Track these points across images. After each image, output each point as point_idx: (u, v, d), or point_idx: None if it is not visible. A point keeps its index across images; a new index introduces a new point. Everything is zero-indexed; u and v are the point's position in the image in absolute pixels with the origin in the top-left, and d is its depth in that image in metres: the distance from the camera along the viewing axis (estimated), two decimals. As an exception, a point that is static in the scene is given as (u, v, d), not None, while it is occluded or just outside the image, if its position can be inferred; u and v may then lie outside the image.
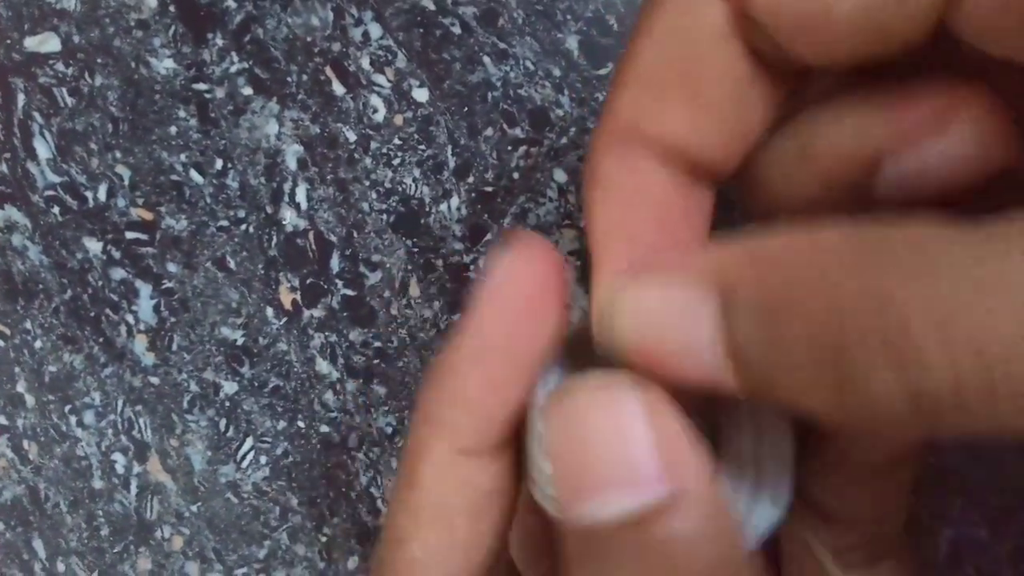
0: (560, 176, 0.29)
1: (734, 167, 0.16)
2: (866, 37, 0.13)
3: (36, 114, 0.30)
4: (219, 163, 0.30)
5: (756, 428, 0.16)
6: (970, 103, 0.14)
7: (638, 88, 0.15)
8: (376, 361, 0.30)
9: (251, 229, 0.30)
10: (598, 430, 0.14)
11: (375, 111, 0.30)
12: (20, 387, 0.31)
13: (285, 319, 0.30)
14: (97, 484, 0.31)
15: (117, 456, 0.31)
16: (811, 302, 0.12)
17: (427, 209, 0.30)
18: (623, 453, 0.14)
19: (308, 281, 0.30)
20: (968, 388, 0.11)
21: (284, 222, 0.30)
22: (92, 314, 0.31)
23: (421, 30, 0.30)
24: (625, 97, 0.15)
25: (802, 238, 0.13)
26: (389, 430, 0.30)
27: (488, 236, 0.30)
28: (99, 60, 0.30)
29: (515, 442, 0.17)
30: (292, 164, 0.30)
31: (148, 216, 0.30)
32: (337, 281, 0.30)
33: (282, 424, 0.30)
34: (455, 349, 0.16)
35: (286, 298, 0.30)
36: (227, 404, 0.31)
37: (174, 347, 0.31)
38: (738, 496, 0.16)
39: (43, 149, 0.30)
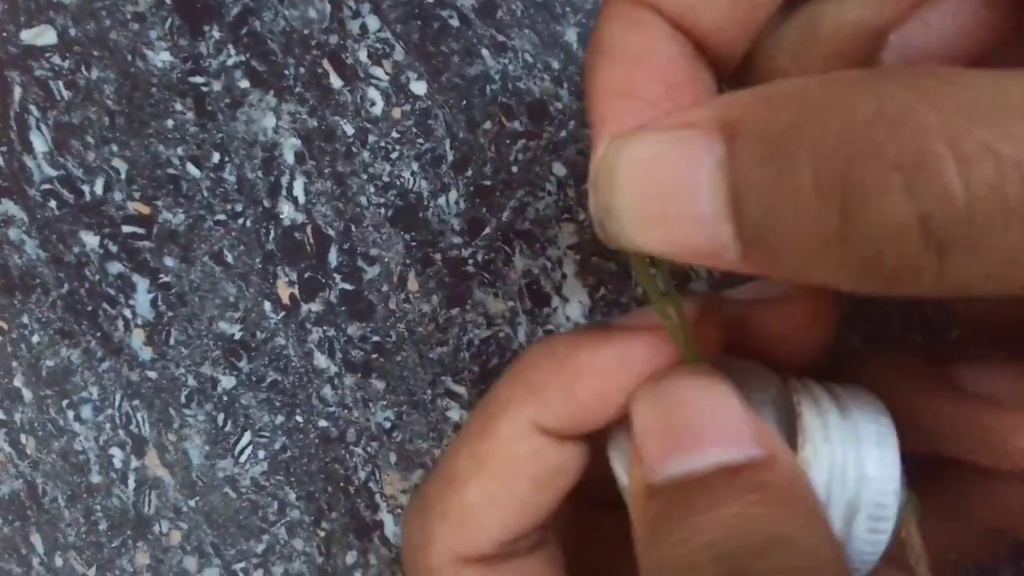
0: (559, 169, 0.29)
1: (739, 52, 0.15)
2: None
3: (32, 107, 0.30)
4: (216, 156, 0.30)
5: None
6: None
7: None
8: (374, 355, 0.30)
9: (248, 223, 0.30)
10: (698, 400, 0.15)
11: (373, 104, 0.30)
12: (17, 381, 0.31)
13: (283, 313, 0.30)
14: (95, 479, 0.31)
15: (115, 451, 0.31)
16: (821, 126, 0.11)
17: (425, 203, 0.30)
18: (722, 419, 0.14)
19: (306, 275, 0.30)
20: (981, 204, 0.10)
21: (282, 216, 0.30)
22: (89, 308, 0.31)
23: (419, 22, 0.29)
24: None
25: (815, 77, 0.12)
26: (387, 425, 0.30)
27: (487, 230, 0.30)
28: (95, 53, 0.30)
29: (596, 438, 0.17)
30: (290, 158, 0.30)
31: (145, 210, 0.30)
32: (335, 275, 0.30)
33: (280, 419, 0.30)
34: (596, 337, 0.16)
35: (284, 292, 0.30)
36: (225, 399, 0.30)
37: (172, 341, 0.30)
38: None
39: (39, 143, 0.30)
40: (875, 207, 0.11)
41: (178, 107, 0.30)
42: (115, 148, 0.30)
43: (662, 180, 0.13)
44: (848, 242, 0.11)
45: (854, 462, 0.15)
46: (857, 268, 0.11)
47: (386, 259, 0.30)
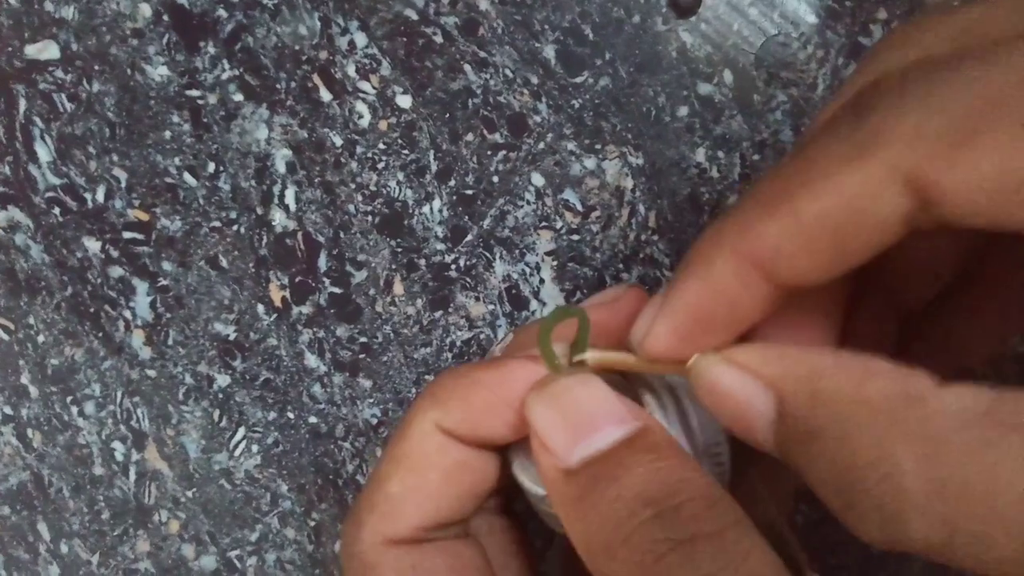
0: (538, 180, 0.31)
1: (820, 283, 0.19)
2: None
3: (37, 119, 0.32)
4: (211, 166, 0.31)
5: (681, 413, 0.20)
6: None
7: (790, 228, 0.17)
8: (362, 356, 0.32)
9: (242, 230, 0.31)
10: (584, 395, 0.19)
11: (360, 117, 0.31)
12: (24, 379, 0.33)
13: (275, 315, 0.32)
14: (98, 471, 0.33)
15: (116, 444, 0.33)
16: (837, 449, 0.16)
17: (410, 211, 0.31)
18: (606, 406, 0.18)
19: (297, 279, 0.31)
20: (933, 548, 0.15)
21: (274, 223, 0.31)
22: (92, 310, 0.32)
23: (404, 39, 0.31)
24: (773, 227, 0.17)
25: (849, 383, 0.16)
26: (374, 421, 0.32)
27: (469, 237, 0.31)
28: (96, 67, 0.31)
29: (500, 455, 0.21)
30: (281, 167, 0.31)
31: (144, 217, 0.32)
32: (325, 279, 0.31)
33: (272, 415, 0.32)
34: (488, 363, 0.20)
35: (276, 295, 0.32)
36: (220, 396, 0.32)
37: (170, 342, 0.32)
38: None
39: (44, 152, 0.32)
40: (859, 517, 0.15)
41: (175, 119, 0.31)
42: (115, 158, 0.31)
43: (730, 406, 0.18)
44: (844, 518, 0.16)
45: (688, 423, 0.20)
46: (848, 524, 0.16)
47: (373, 264, 0.31)
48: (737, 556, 0.16)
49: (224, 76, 0.31)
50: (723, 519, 0.16)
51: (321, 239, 0.31)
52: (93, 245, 0.32)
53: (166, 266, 0.32)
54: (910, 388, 0.16)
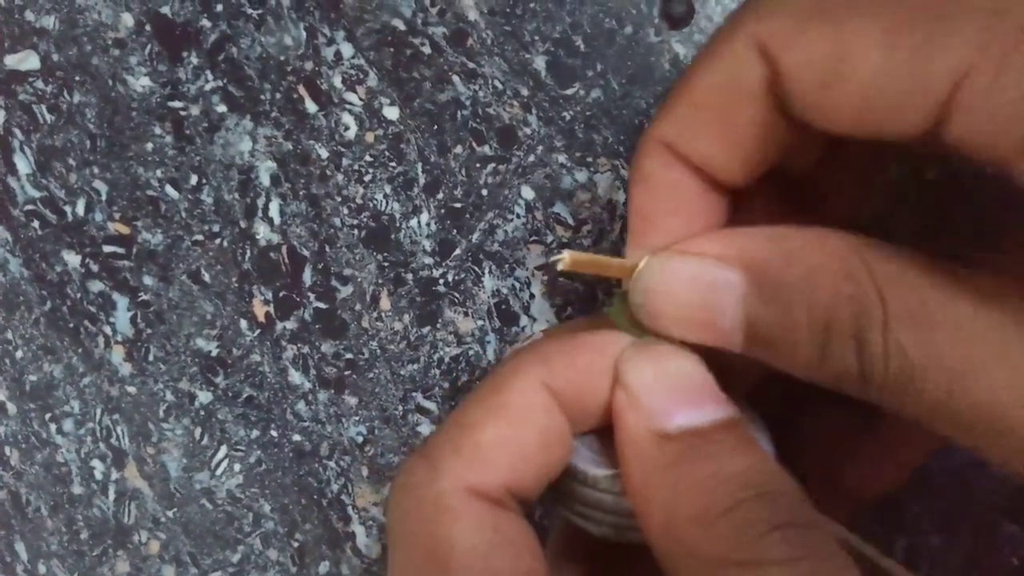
0: (528, 193, 0.30)
1: (746, 185, 0.20)
2: (868, 117, 0.17)
3: (16, 130, 0.31)
4: (194, 179, 0.31)
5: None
6: None
7: (685, 113, 0.19)
8: (347, 372, 0.31)
9: (225, 243, 0.31)
10: (688, 367, 0.19)
11: (347, 128, 0.30)
12: (2, 395, 0.32)
13: (259, 331, 0.31)
14: (76, 489, 0.32)
15: (96, 463, 0.32)
16: (815, 296, 0.17)
17: (397, 224, 0.30)
18: (710, 383, 0.18)
19: (281, 294, 0.31)
20: (896, 378, 0.16)
21: (258, 236, 0.31)
22: (71, 325, 0.31)
23: (392, 50, 0.30)
24: (673, 117, 0.19)
25: (815, 236, 0.17)
26: (359, 439, 0.31)
27: (457, 251, 0.31)
28: (77, 78, 0.31)
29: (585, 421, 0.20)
30: (265, 180, 0.31)
31: (125, 230, 0.31)
32: (309, 294, 0.31)
33: (255, 433, 0.31)
34: (590, 324, 0.20)
35: (259, 310, 0.31)
36: (202, 413, 0.31)
37: (150, 358, 0.31)
38: None
39: (23, 164, 0.31)
40: (838, 359, 0.17)
41: (157, 131, 0.31)
42: (96, 170, 0.31)
43: (694, 297, 0.18)
44: (819, 373, 0.17)
45: None
46: (821, 378, 0.17)
47: (359, 279, 0.31)
48: (828, 547, 0.16)
49: (207, 87, 0.30)
50: (813, 515, 0.17)
51: (306, 253, 0.31)
52: (73, 259, 0.31)
53: (147, 280, 0.31)
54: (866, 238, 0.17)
